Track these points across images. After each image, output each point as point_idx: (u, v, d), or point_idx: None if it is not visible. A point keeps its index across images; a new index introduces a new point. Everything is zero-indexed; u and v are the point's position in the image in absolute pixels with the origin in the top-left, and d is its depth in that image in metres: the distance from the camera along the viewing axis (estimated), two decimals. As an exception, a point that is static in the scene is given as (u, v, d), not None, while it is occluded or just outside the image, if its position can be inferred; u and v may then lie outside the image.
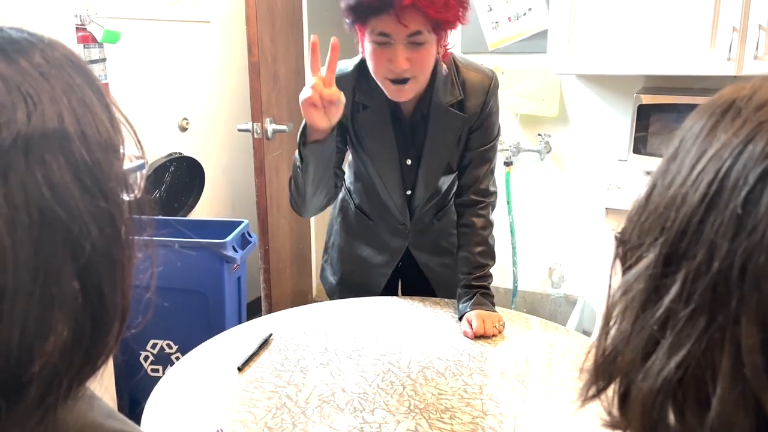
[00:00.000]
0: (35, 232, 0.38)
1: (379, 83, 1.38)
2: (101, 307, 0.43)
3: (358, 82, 1.45)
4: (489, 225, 1.54)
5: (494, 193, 1.56)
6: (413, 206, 1.59)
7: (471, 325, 1.43)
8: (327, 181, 1.44)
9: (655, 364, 0.39)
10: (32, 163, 0.38)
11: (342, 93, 1.30)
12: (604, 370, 0.44)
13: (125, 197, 0.45)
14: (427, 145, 1.48)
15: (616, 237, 0.46)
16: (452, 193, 1.62)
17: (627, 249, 0.44)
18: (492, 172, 1.55)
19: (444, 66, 1.44)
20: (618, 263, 0.45)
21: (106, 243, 0.42)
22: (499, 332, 1.44)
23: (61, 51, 0.45)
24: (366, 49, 1.35)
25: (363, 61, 1.42)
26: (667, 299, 0.38)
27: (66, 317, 0.40)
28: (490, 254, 1.54)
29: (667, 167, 0.42)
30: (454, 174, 1.58)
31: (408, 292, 1.76)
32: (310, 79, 1.32)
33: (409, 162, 1.51)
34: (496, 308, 1.51)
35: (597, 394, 0.45)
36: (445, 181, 1.59)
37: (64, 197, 0.39)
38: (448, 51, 1.41)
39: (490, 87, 1.47)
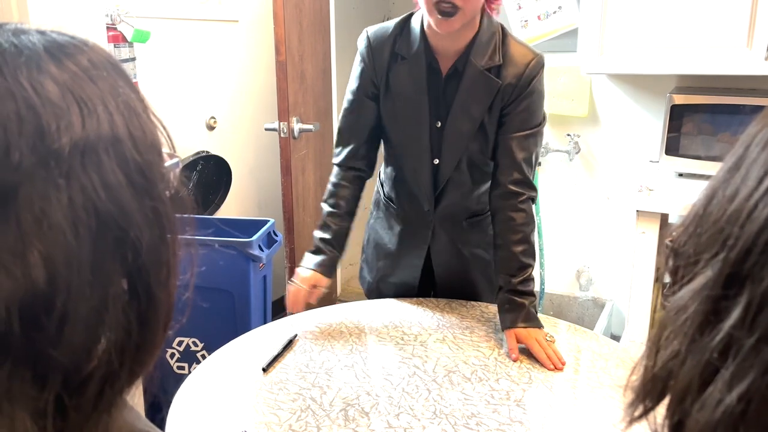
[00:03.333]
0: (94, 233, 0.39)
1: (427, 14, 1.34)
2: (150, 305, 0.44)
3: (399, 34, 1.44)
4: (531, 221, 1.46)
5: (536, 188, 1.48)
6: (438, 182, 1.51)
7: (511, 344, 1.37)
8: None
9: (714, 395, 0.36)
10: (89, 166, 0.40)
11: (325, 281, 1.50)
12: (653, 390, 0.41)
13: (169, 198, 0.46)
14: (456, 104, 1.42)
15: (667, 246, 0.43)
16: (482, 201, 1.56)
17: (680, 263, 0.41)
18: (534, 164, 1.46)
19: (490, 28, 1.41)
20: (670, 277, 0.42)
21: (156, 242, 0.43)
22: (563, 362, 1.33)
23: (103, 54, 0.45)
24: None
25: (408, 17, 1.45)
26: (727, 324, 0.35)
27: (118, 316, 0.41)
28: (532, 253, 1.45)
29: (729, 176, 0.39)
30: (488, 178, 1.51)
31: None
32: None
33: (438, 124, 1.45)
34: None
35: (644, 414, 0.42)
36: (477, 164, 1.50)
37: (119, 198, 0.41)
38: (497, 11, 1.43)
39: (531, 61, 1.41)
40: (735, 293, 0.36)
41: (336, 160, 1.57)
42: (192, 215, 0.49)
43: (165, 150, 0.47)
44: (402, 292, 1.66)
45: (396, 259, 1.65)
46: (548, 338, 1.38)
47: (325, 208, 1.54)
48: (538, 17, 2.68)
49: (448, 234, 1.60)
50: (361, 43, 1.48)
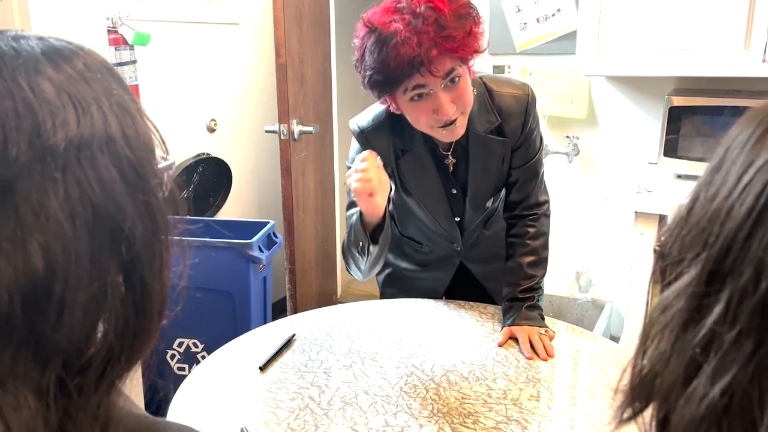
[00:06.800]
0: (90, 226, 0.41)
1: (426, 132, 1.31)
2: (144, 296, 0.46)
3: (392, 127, 1.39)
4: (540, 235, 1.48)
5: (545, 203, 1.50)
6: (464, 229, 1.54)
7: (508, 340, 1.40)
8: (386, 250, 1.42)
9: (698, 390, 0.36)
10: (83, 162, 0.42)
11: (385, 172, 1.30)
12: (641, 392, 0.42)
13: (161, 194, 0.48)
14: (471, 175, 1.43)
15: (655, 250, 0.43)
16: (498, 201, 1.56)
17: (667, 264, 0.41)
18: (541, 183, 1.50)
19: (474, 90, 1.33)
20: (657, 278, 0.43)
21: (149, 237, 0.45)
22: (550, 354, 1.35)
23: (98, 58, 0.48)
24: (403, 108, 1.28)
25: (389, 116, 1.38)
26: (710, 320, 0.36)
27: (114, 305, 0.44)
28: (540, 265, 1.47)
29: (711, 178, 0.40)
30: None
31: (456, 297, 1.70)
32: (357, 163, 1.27)
33: (454, 191, 1.46)
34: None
35: (633, 417, 0.43)
36: (492, 199, 1.54)
37: (112, 193, 0.43)
38: (476, 74, 1.34)
39: (527, 105, 1.39)
40: (717, 290, 0.36)
41: None
42: (184, 212, 0.51)
43: (158, 153, 0.49)
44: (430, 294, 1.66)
45: (420, 286, 1.65)
46: (542, 332, 1.39)
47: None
48: (537, 20, 2.69)
49: (474, 248, 1.61)
50: (359, 139, 1.42)
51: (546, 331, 1.41)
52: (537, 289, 1.47)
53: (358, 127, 1.42)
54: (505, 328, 1.42)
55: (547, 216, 1.51)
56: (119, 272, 0.44)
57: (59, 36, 0.47)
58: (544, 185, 1.52)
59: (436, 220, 1.52)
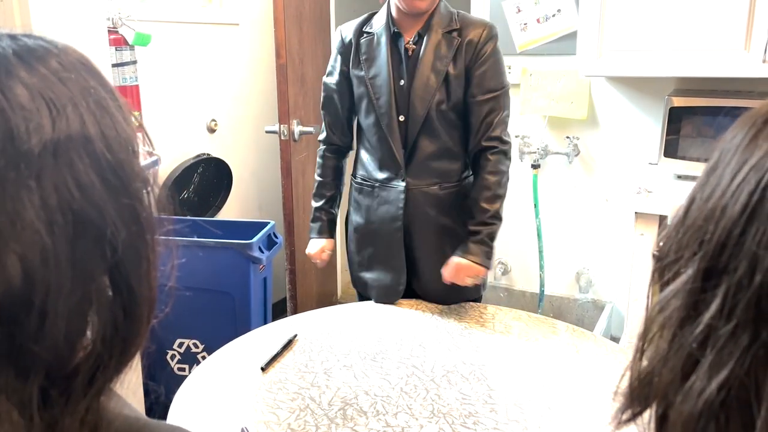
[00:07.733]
0: (70, 232, 0.40)
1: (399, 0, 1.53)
2: (131, 300, 0.45)
3: (366, 21, 1.66)
4: (497, 172, 1.56)
5: (508, 143, 1.59)
6: (408, 138, 1.60)
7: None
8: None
9: (696, 385, 0.37)
10: (61, 166, 0.40)
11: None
12: (640, 393, 0.42)
13: (146, 194, 0.47)
14: (422, 62, 1.57)
15: (653, 255, 0.44)
16: (463, 175, 1.64)
17: (664, 265, 0.42)
18: (503, 122, 1.58)
19: (447, 9, 1.61)
20: (656, 280, 0.43)
21: (133, 239, 0.44)
22: (473, 284, 1.53)
23: (75, 55, 0.46)
24: None
25: (371, 15, 1.68)
26: (706, 315, 0.37)
27: (101, 311, 0.43)
28: (495, 201, 1.55)
29: (706, 180, 0.41)
30: (455, 142, 1.61)
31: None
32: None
33: (402, 82, 1.59)
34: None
35: (632, 419, 0.43)
36: (443, 117, 1.58)
37: (93, 197, 0.41)
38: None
39: (486, 26, 1.58)
40: (713, 285, 0.37)
41: (320, 138, 1.80)
42: (170, 211, 0.50)
43: (146, 149, 0.48)
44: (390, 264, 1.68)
45: (376, 234, 1.68)
46: (476, 280, 1.52)
47: (317, 179, 1.78)
48: (537, 20, 2.69)
49: (422, 200, 1.62)
50: (335, 37, 1.71)
51: (477, 274, 1.51)
52: (490, 224, 1.53)
53: (339, 29, 1.70)
54: (447, 263, 1.54)
55: (507, 155, 1.58)
56: (105, 277, 0.43)
57: (33, 33, 0.46)
58: (508, 129, 1.60)
59: (380, 119, 1.60)
